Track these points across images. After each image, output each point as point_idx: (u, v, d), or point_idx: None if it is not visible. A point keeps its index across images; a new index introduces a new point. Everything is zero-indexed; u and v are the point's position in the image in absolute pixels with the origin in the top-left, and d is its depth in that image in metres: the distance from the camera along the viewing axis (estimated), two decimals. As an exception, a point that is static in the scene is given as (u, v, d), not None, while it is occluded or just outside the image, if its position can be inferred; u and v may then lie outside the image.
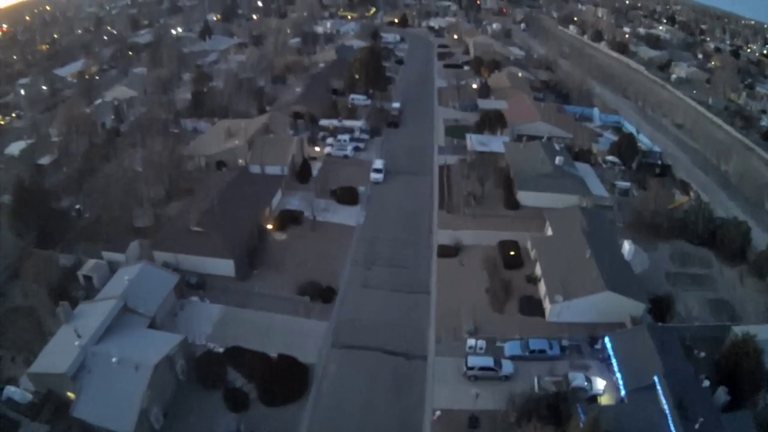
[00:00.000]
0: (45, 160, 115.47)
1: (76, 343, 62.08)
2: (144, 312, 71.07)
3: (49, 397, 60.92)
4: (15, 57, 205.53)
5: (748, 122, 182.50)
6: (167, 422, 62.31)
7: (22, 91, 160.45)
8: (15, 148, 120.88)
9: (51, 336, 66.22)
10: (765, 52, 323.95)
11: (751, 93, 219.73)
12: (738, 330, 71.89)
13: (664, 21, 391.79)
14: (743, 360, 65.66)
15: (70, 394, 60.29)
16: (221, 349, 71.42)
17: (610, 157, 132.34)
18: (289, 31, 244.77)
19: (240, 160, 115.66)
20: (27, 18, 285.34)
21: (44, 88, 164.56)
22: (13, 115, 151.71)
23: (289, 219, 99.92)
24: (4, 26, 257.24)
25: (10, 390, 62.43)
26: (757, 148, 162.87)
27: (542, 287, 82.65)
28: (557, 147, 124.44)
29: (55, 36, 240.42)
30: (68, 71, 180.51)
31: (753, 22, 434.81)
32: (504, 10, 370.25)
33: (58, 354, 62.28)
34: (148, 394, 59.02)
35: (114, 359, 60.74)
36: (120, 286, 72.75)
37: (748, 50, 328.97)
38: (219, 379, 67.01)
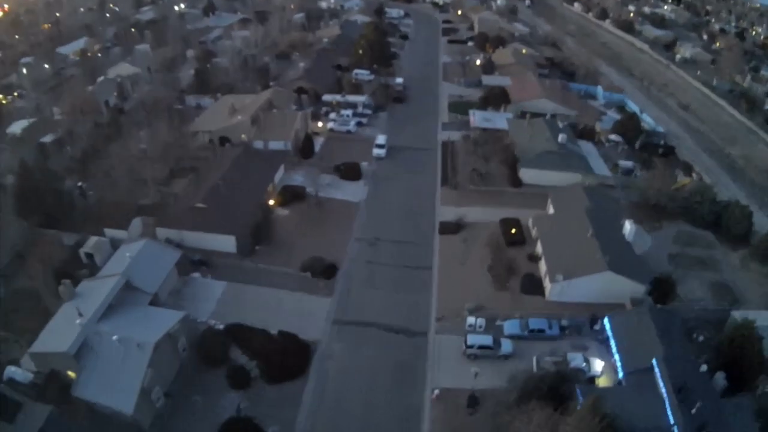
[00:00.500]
0: (47, 139, 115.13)
1: (78, 321, 62.12)
2: (146, 289, 71.33)
3: (51, 377, 60.68)
4: (17, 37, 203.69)
5: (752, 105, 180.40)
6: (169, 399, 62.72)
7: (25, 71, 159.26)
8: (17, 127, 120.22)
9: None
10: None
11: (755, 76, 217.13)
12: (738, 315, 71.86)
13: (670, 1, 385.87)
14: (742, 346, 65.68)
15: (72, 374, 60.45)
16: (221, 326, 71.65)
17: (613, 136, 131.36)
18: (293, 6, 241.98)
19: (243, 136, 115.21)
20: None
21: (47, 67, 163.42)
22: (15, 94, 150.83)
23: (292, 195, 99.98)
24: (6, 6, 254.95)
25: (11, 370, 62.08)
26: (761, 131, 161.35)
27: (543, 266, 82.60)
28: (561, 124, 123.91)
29: (58, 15, 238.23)
30: (71, 49, 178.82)
31: (758, 5, 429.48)
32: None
33: (59, 333, 62.33)
34: (150, 372, 59.25)
35: (115, 337, 60.82)
36: (122, 264, 72.79)
37: (754, 33, 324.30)
38: (221, 357, 67.26)
